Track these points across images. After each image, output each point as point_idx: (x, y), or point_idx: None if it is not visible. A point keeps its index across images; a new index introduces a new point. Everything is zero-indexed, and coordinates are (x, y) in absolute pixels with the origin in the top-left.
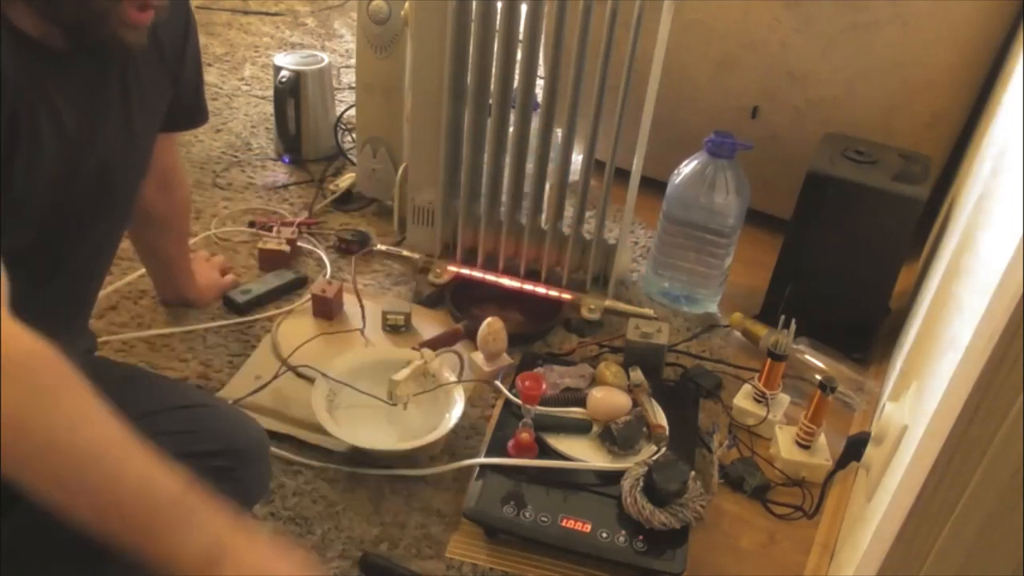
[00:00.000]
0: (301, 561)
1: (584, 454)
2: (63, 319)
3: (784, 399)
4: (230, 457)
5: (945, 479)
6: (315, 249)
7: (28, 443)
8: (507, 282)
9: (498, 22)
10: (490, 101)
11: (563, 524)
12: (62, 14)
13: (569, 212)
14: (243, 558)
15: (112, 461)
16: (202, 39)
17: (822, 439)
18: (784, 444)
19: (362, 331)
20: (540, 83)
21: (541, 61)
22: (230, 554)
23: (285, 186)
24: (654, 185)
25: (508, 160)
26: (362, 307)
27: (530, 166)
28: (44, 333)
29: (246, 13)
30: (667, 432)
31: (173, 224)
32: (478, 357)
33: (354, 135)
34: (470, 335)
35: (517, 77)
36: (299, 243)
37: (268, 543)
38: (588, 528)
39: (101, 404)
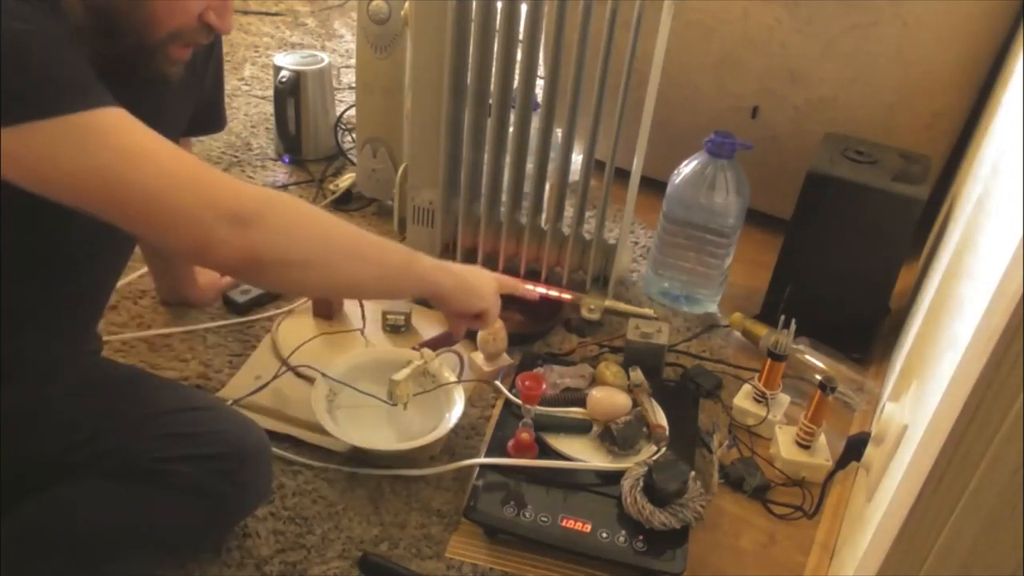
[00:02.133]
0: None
1: (584, 454)
2: (80, 322)
3: (784, 399)
4: (232, 461)
5: (945, 479)
6: None
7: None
8: None
9: (498, 22)
10: (490, 101)
11: (563, 524)
12: (116, 52)
13: (569, 212)
14: (451, 268)
15: (372, 247)
16: None
17: (822, 439)
18: (784, 444)
19: (362, 331)
20: (540, 83)
21: (541, 61)
22: (444, 266)
23: (285, 186)
24: (654, 185)
25: (508, 160)
26: (362, 307)
27: (530, 166)
28: (60, 334)
29: (246, 13)
30: (667, 432)
31: None
32: (478, 357)
33: (354, 135)
34: (470, 335)
35: (517, 77)
36: None
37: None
38: (588, 528)
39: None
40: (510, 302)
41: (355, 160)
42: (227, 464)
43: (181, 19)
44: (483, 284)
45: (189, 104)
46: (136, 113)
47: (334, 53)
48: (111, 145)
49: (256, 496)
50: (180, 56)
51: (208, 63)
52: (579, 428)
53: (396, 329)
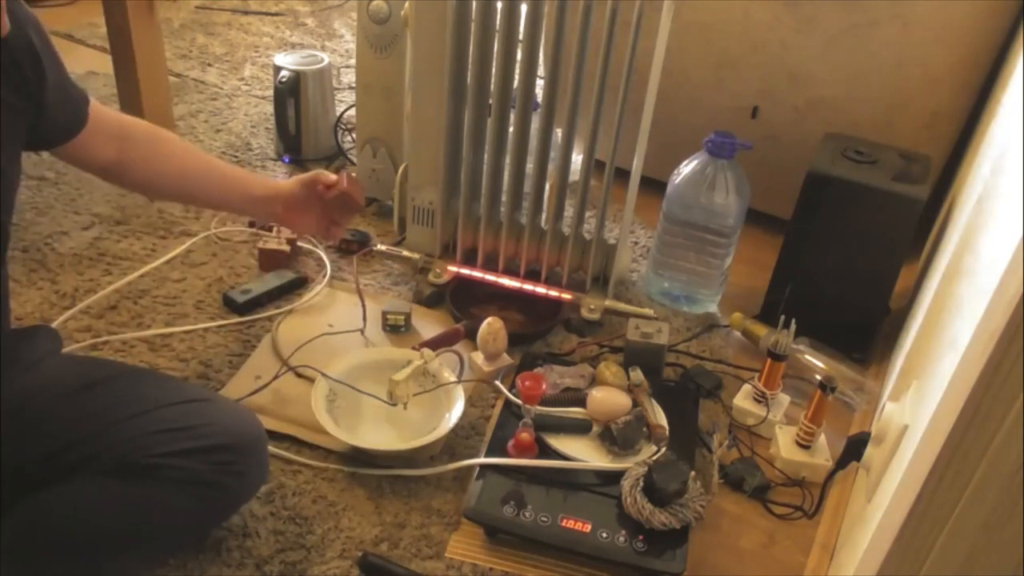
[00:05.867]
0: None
1: (584, 454)
2: None
3: (784, 399)
4: (228, 451)
5: (945, 479)
6: (315, 249)
7: None
8: (507, 282)
9: (498, 22)
10: (490, 101)
11: (563, 524)
12: None
13: (569, 212)
14: None
15: None
16: (202, 39)
17: (822, 439)
18: (784, 444)
19: (362, 331)
20: (540, 83)
21: (541, 61)
22: None
23: None
24: (654, 185)
25: (508, 160)
26: (363, 307)
27: (530, 166)
28: None
29: (246, 13)
30: (667, 432)
31: (157, 148)
32: (478, 357)
33: (354, 135)
34: (470, 335)
35: (517, 77)
36: (299, 243)
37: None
38: (588, 528)
39: None
40: (510, 302)
41: (355, 160)
42: (224, 455)
43: None
44: None
45: (22, 121)
46: None
47: (334, 53)
48: None
49: (255, 481)
50: None
51: (44, 75)
52: (579, 428)
53: (396, 329)
